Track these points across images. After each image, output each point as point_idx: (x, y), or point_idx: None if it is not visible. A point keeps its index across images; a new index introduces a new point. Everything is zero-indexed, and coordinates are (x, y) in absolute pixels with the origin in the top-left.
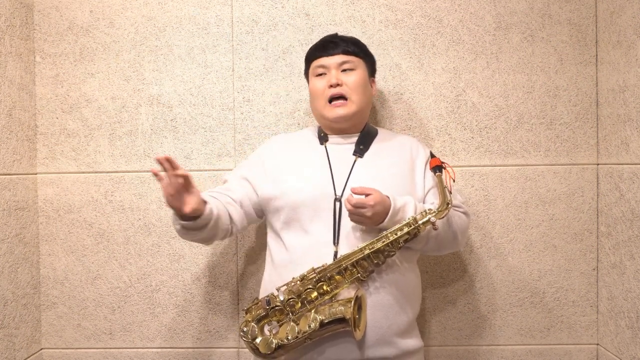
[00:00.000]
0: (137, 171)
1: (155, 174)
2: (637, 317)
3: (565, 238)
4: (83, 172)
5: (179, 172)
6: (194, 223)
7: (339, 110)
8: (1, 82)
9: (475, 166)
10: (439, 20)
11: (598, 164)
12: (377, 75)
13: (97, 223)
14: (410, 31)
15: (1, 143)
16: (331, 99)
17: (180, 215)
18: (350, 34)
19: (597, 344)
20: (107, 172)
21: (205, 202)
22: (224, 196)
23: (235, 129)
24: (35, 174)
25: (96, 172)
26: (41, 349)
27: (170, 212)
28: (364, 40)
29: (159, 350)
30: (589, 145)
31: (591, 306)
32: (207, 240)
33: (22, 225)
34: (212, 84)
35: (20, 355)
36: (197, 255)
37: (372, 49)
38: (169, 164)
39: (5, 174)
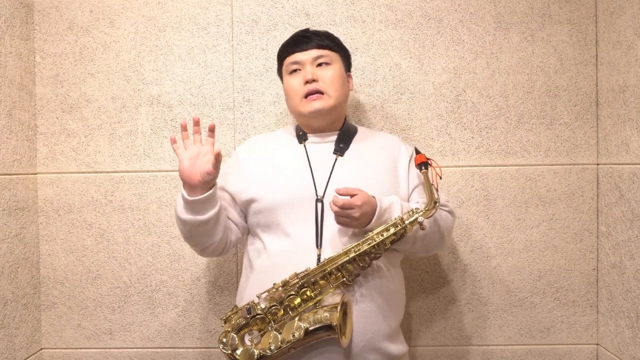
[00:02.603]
0: (137, 171)
1: (183, 128)
2: (637, 317)
3: (565, 238)
4: (83, 172)
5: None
6: (203, 197)
7: (315, 103)
8: (1, 82)
9: (475, 166)
10: (439, 20)
11: (598, 164)
12: (377, 75)
13: (97, 223)
14: (410, 31)
15: (1, 143)
16: (307, 95)
17: (189, 188)
18: (350, 34)
19: (597, 344)
20: (107, 172)
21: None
22: None
23: (235, 129)
24: (35, 174)
25: (96, 172)
26: (41, 349)
27: (169, 212)
28: (363, 40)
29: (159, 350)
30: (589, 145)
31: (591, 306)
32: (208, 236)
33: (22, 225)
34: (212, 84)
35: (20, 355)
36: (197, 255)
37: (372, 49)
38: (210, 132)
39: (5, 174)
